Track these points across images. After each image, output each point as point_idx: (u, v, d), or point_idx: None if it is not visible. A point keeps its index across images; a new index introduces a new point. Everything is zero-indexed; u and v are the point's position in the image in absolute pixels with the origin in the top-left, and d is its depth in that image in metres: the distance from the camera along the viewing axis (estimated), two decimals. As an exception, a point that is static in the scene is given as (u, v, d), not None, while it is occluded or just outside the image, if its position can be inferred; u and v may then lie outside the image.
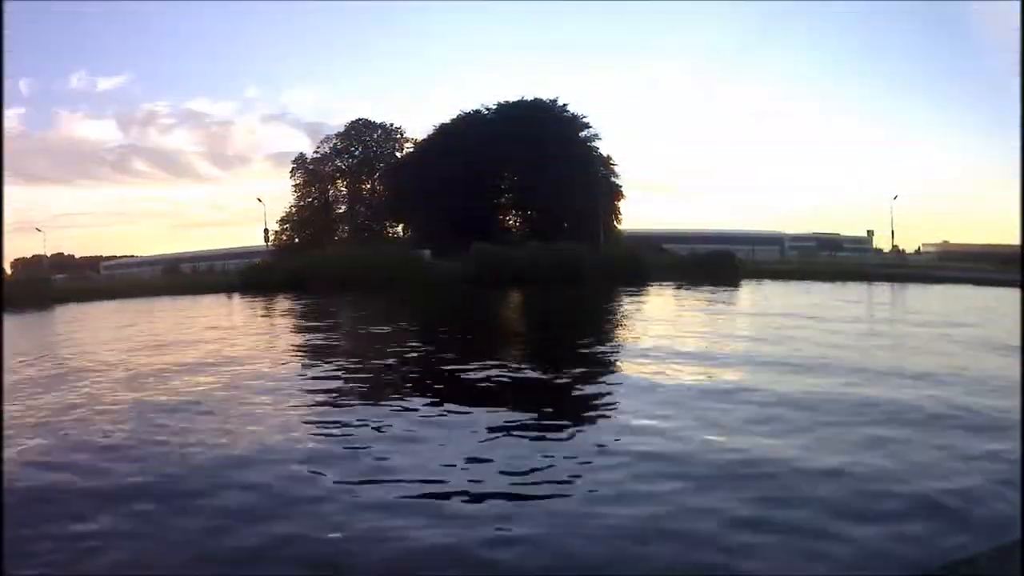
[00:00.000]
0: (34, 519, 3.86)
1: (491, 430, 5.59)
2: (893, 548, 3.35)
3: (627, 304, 19.54)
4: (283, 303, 23.03)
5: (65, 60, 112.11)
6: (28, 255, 65.45)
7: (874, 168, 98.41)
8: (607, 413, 6.26)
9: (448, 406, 6.54)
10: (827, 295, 22.48)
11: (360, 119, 54.90)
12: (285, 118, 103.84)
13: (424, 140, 49.05)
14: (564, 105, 45.10)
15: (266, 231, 47.54)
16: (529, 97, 45.14)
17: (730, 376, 7.67)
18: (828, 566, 3.21)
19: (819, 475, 4.31)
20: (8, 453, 5.10)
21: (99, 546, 3.54)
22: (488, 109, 45.91)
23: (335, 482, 4.42)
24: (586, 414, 6.33)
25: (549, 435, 5.48)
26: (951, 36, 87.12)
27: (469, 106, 48.20)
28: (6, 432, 5.61)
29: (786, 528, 3.58)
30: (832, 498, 3.95)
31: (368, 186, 54.75)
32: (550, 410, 6.41)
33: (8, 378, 8.36)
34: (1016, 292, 20.15)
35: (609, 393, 7.10)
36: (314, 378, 8.41)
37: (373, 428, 5.78)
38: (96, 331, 16.43)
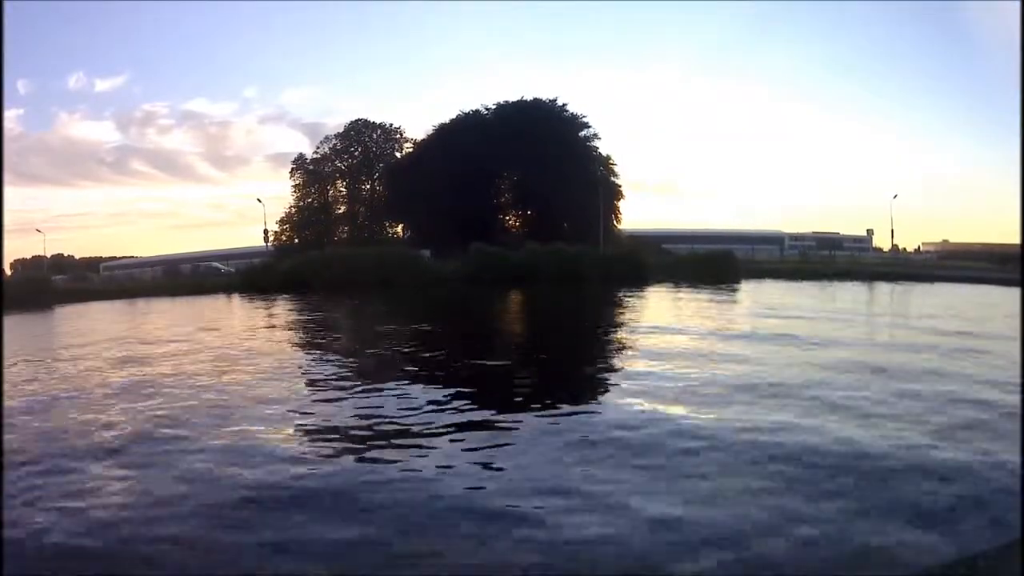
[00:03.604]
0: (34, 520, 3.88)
1: (491, 429, 5.60)
2: (893, 547, 3.36)
3: (626, 304, 19.54)
4: (283, 303, 23.01)
5: (63, 60, 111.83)
6: (28, 256, 65.53)
7: (874, 168, 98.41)
8: (607, 411, 6.25)
9: (448, 406, 6.55)
10: (826, 294, 22.48)
11: (359, 119, 54.96)
12: (284, 118, 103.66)
13: (423, 140, 49.05)
14: (563, 105, 45.21)
15: (266, 231, 47.56)
16: (528, 97, 45.27)
17: (729, 375, 7.67)
18: (829, 564, 3.22)
19: (818, 473, 4.32)
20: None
21: (98, 547, 3.56)
22: (487, 109, 45.97)
23: (338, 482, 4.43)
24: (587, 413, 6.32)
25: (549, 434, 5.48)
26: (951, 36, 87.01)
27: (468, 106, 48.36)
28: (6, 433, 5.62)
29: (786, 526, 3.58)
30: (832, 496, 3.96)
31: (368, 186, 54.74)
32: (550, 408, 6.38)
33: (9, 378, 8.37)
34: (1016, 291, 20.16)
35: (606, 392, 7.10)
36: (313, 380, 8.42)
37: (375, 429, 5.79)
38: (96, 332, 16.40)
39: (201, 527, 3.79)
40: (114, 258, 75.32)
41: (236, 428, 5.90)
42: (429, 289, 27.50)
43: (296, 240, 51.99)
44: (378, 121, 54.85)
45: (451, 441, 5.34)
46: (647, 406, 6.14)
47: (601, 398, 6.95)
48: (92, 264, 71.54)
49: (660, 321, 13.96)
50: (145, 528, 3.79)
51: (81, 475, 4.71)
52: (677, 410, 6.00)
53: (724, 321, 13.92)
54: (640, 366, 8.38)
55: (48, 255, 60.34)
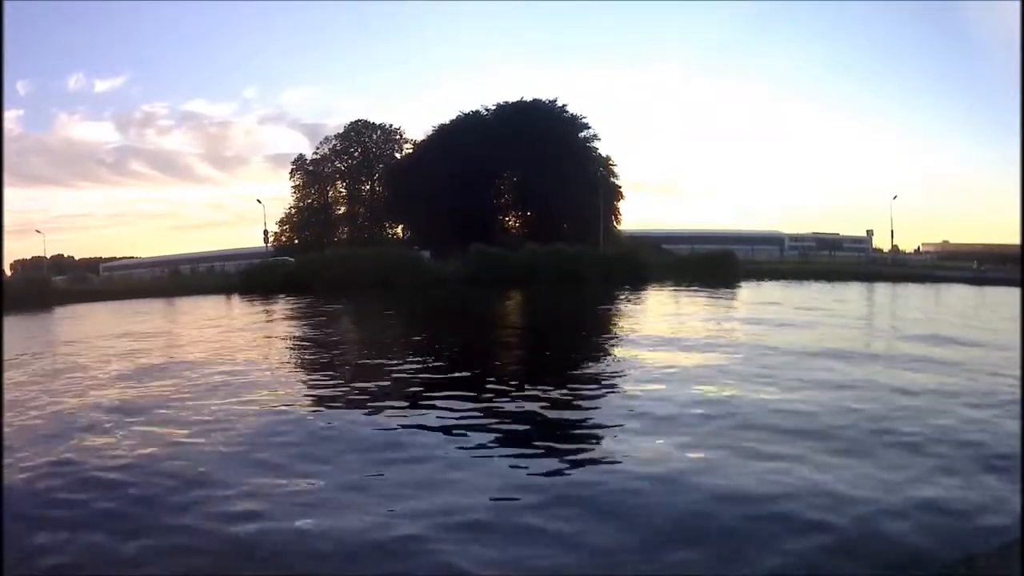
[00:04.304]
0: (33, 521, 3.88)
1: (485, 438, 5.59)
2: (894, 547, 3.36)
3: (626, 305, 19.51)
4: (282, 304, 23.00)
5: (63, 61, 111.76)
6: (28, 257, 65.51)
7: (874, 168, 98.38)
8: (605, 421, 6.23)
9: (448, 410, 6.53)
10: (826, 296, 22.47)
11: (359, 120, 55.14)
12: (284, 119, 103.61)
13: (423, 141, 49.15)
14: (563, 106, 45.31)
15: (265, 232, 47.58)
16: (528, 97, 45.36)
17: (727, 381, 7.64)
18: (828, 565, 3.21)
19: (818, 474, 4.31)
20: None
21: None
22: (487, 110, 46.06)
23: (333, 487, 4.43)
24: (584, 421, 6.30)
25: (545, 449, 5.46)
26: (951, 36, 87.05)
27: (468, 106, 48.45)
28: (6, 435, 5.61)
29: (787, 525, 3.58)
30: (831, 495, 3.95)
31: (368, 187, 54.83)
32: (545, 424, 6.28)
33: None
34: (1016, 291, 20.16)
35: (602, 405, 6.89)
36: (312, 385, 8.42)
37: (374, 436, 5.77)
38: (94, 334, 16.39)
39: (201, 527, 3.79)
40: (114, 259, 75.37)
41: (234, 431, 5.90)
42: (429, 290, 27.49)
43: (296, 241, 52.07)
44: (378, 122, 55.12)
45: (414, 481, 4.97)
46: (631, 441, 5.22)
47: (583, 423, 6.22)
48: (92, 265, 71.52)
49: (657, 329, 13.61)
50: (141, 528, 3.80)
51: (78, 477, 4.71)
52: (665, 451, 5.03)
53: (724, 327, 13.43)
54: (632, 386, 7.38)
55: (48, 256, 60.42)
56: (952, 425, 5.48)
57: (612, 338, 12.38)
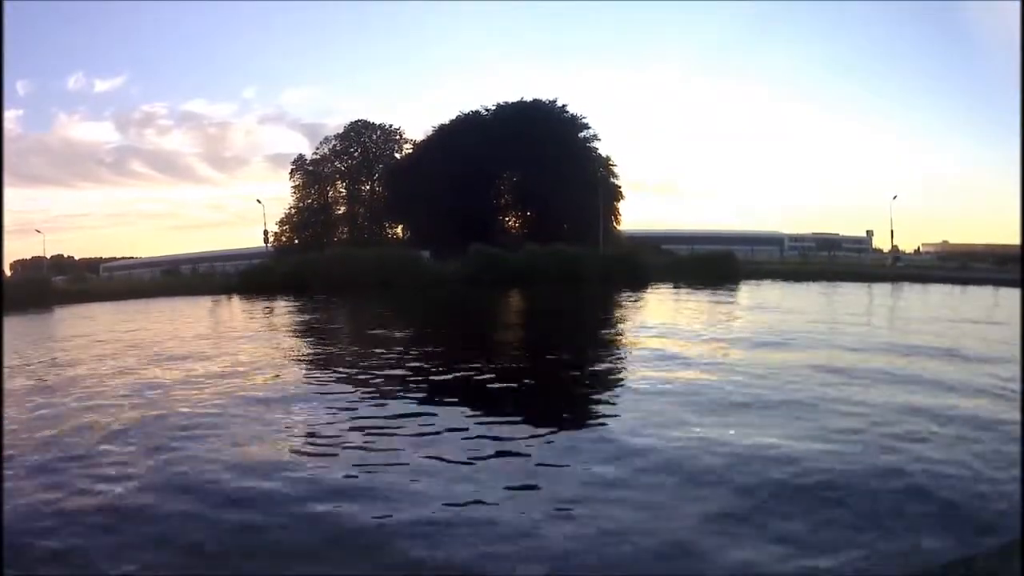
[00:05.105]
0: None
1: (482, 437, 5.59)
2: (893, 546, 3.35)
3: (625, 305, 19.49)
4: (282, 304, 22.96)
5: (63, 61, 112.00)
6: (28, 257, 65.58)
7: (874, 168, 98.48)
8: (603, 422, 6.22)
9: (449, 412, 6.53)
10: (827, 299, 22.45)
11: (359, 120, 55.10)
12: (284, 119, 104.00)
13: (423, 141, 49.17)
14: (563, 106, 45.32)
15: (265, 232, 47.57)
16: (528, 98, 45.36)
17: (724, 382, 7.62)
18: (828, 564, 3.21)
19: (818, 473, 4.31)
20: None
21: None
22: (487, 110, 46.05)
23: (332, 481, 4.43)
24: (581, 422, 6.30)
25: (542, 452, 5.45)
26: (951, 36, 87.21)
27: (468, 107, 48.48)
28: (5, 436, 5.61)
29: (786, 524, 3.58)
30: (830, 494, 3.95)
31: (367, 187, 54.80)
32: (543, 422, 6.26)
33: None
34: (1016, 292, 20.16)
35: (604, 403, 6.98)
36: (311, 385, 8.41)
37: (374, 435, 5.77)
38: (95, 334, 16.38)
39: (199, 529, 3.79)
40: (114, 259, 75.42)
41: (232, 432, 5.90)
42: (428, 290, 27.45)
43: (296, 241, 52.04)
44: (378, 122, 55.09)
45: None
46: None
47: (597, 412, 6.58)
48: (92, 265, 71.57)
49: (658, 326, 13.64)
50: (140, 527, 3.80)
51: (78, 475, 4.71)
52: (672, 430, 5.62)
53: (722, 326, 13.25)
54: (633, 375, 7.50)
55: (48, 256, 60.47)
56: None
57: (607, 344, 12.25)
